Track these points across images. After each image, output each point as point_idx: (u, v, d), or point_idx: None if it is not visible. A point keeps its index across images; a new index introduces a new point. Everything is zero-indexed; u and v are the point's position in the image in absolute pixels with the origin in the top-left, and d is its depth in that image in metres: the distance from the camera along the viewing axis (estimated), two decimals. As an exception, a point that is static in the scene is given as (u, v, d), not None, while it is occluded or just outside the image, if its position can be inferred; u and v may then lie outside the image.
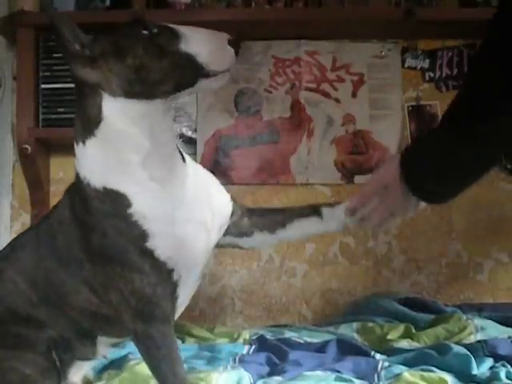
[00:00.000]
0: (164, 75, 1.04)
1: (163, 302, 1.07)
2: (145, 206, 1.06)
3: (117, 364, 1.43)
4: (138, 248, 1.05)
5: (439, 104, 2.29)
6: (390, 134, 2.29)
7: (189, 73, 1.04)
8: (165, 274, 1.07)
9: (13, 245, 1.24)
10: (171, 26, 1.08)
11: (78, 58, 1.05)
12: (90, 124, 1.06)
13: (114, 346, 1.25)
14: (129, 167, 1.06)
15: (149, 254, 1.05)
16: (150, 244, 1.06)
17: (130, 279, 1.04)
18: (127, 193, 1.06)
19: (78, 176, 1.11)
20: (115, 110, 1.04)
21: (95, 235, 1.06)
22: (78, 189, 1.10)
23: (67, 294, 1.14)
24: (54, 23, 1.04)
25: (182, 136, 2.27)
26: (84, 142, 1.08)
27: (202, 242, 1.13)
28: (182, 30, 1.06)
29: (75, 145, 1.10)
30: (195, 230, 1.11)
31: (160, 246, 1.06)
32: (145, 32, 1.05)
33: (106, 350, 1.23)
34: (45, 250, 1.15)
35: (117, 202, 1.06)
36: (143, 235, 1.05)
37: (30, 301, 1.16)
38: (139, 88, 1.04)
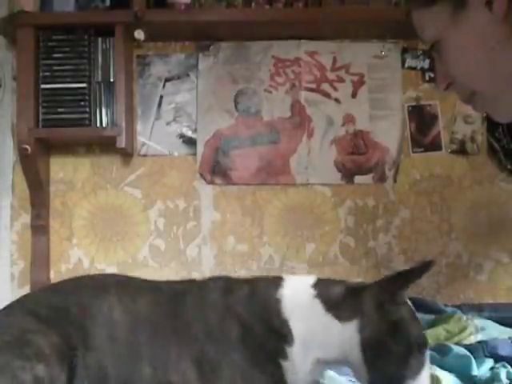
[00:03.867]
0: None
1: None
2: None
3: None
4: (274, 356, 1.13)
5: (439, 104, 2.29)
6: (390, 133, 2.29)
7: None
8: None
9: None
10: None
11: None
12: None
13: None
14: None
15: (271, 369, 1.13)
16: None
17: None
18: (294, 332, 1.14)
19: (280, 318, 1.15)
20: None
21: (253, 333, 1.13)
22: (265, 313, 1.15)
23: (163, 360, 1.14)
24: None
25: (182, 136, 2.28)
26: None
27: None
28: None
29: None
30: None
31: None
32: None
33: None
34: (161, 316, 1.17)
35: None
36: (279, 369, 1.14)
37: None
38: None
